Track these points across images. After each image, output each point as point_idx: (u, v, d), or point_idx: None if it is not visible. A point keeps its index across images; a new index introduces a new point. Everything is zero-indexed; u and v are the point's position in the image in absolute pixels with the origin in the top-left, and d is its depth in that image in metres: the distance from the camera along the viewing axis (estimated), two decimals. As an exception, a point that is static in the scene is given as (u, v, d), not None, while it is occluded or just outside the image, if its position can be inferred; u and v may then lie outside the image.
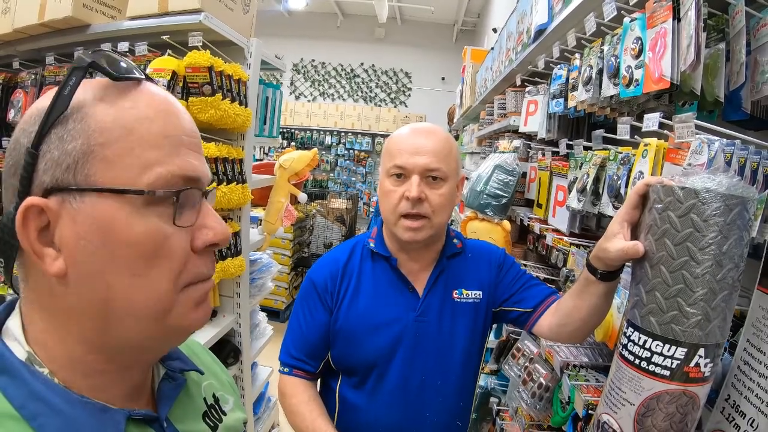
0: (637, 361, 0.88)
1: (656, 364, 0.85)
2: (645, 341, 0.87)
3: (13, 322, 0.58)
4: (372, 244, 1.41)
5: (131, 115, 0.56)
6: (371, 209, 9.64)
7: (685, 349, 0.83)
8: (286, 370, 1.42)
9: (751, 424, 0.85)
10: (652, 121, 1.16)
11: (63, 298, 0.55)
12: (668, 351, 0.84)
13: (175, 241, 0.58)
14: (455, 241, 1.45)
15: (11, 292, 0.61)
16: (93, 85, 0.57)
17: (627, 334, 0.91)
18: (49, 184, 0.53)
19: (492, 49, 3.82)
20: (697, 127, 1.03)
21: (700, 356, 0.83)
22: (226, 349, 2.34)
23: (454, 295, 1.39)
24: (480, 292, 1.41)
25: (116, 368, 0.60)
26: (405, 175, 1.30)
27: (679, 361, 0.84)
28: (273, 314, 5.35)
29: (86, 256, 0.54)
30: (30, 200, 0.53)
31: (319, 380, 1.47)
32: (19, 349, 0.56)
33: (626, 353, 0.90)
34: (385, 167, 1.34)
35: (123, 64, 0.58)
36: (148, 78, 0.62)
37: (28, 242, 0.53)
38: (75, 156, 0.53)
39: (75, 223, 0.53)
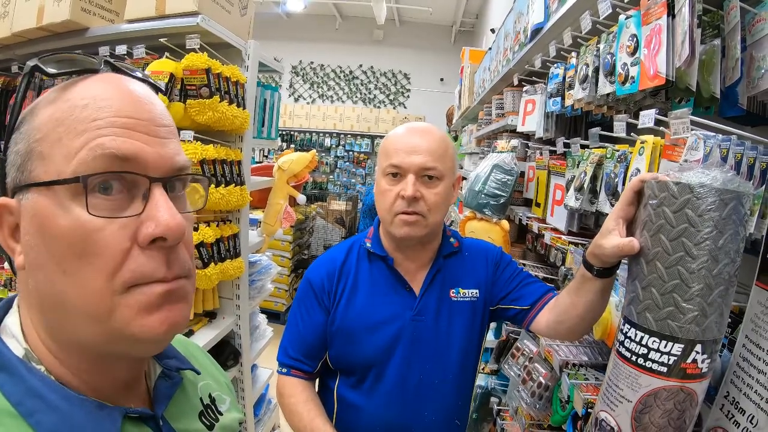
0: (633, 358, 0.87)
1: (653, 361, 0.85)
2: (641, 337, 0.87)
3: (11, 320, 0.59)
4: (368, 244, 1.41)
5: (64, 107, 0.55)
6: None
7: (682, 345, 0.83)
8: (284, 370, 1.42)
9: (750, 421, 0.85)
10: (647, 117, 1.16)
11: (29, 291, 0.57)
12: (665, 347, 0.84)
13: (108, 234, 0.53)
14: (452, 240, 1.45)
15: (9, 294, 0.61)
16: (53, 88, 0.59)
17: (624, 331, 0.91)
18: (11, 185, 0.57)
19: (490, 49, 3.82)
20: (693, 123, 1.02)
21: (697, 352, 0.83)
22: (226, 351, 2.34)
23: (451, 294, 1.39)
24: (477, 291, 1.41)
25: (93, 367, 0.59)
26: (401, 174, 1.30)
27: (676, 358, 0.83)
28: (273, 316, 5.34)
29: (31, 252, 0.55)
30: (0, 200, 0.57)
31: (317, 380, 1.47)
32: (17, 346, 0.57)
33: (623, 350, 0.90)
34: (381, 166, 1.34)
35: (71, 61, 0.60)
36: (118, 69, 0.62)
37: (3, 239, 0.57)
38: (22, 155, 0.56)
39: (23, 219, 0.56)
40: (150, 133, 0.57)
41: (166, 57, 1.96)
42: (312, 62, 10.60)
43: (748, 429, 0.84)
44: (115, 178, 0.54)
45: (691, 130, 1.02)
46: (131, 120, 0.56)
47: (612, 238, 0.95)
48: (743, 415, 0.86)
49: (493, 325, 2.89)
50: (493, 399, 2.62)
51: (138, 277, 0.55)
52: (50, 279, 0.54)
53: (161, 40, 2.03)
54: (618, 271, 1.10)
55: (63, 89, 0.57)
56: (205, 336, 2.14)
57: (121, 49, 2.15)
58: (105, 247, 0.53)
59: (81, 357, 0.58)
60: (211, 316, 2.34)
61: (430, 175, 1.30)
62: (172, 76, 1.85)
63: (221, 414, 0.79)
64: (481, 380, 2.69)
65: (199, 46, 1.99)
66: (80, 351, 0.58)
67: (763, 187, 0.96)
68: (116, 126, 0.55)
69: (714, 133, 1.01)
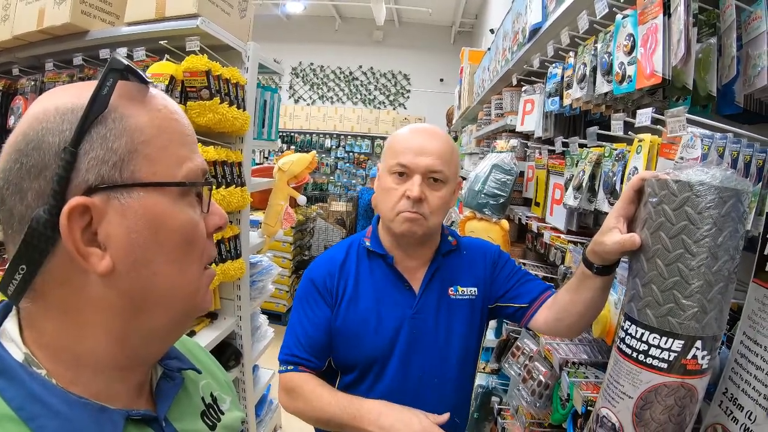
0: (634, 354, 0.88)
1: (654, 357, 0.85)
2: (642, 334, 0.87)
3: (10, 325, 0.58)
4: (368, 243, 1.42)
5: (161, 116, 0.60)
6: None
7: (682, 342, 0.83)
8: (290, 367, 1.37)
9: (749, 417, 0.85)
10: (644, 116, 1.17)
11: (100, 295, 0.56)
12: (665, 343, 0.84)
13: (201, 227, 0.64)
14: (450, 238, 1.46)
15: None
16: (117, 86, 0.58)
17: (624, 328, 0.92)
18: (94, 183, 0.54)
19: (489, 49, 3.83)
20: (690, 121, 1.03)
21: (698, 348, 0.83)
22: (228, 352, 2.35)
23: (450, 292, 1.40)
24: (475, 289, 1.42)
25: (129, 364, 0.61)
26: (407, 174, 1.30)
27: (676, 354, 0.84)
28: (274, 317, 5.32)
29: (137, 249, 0.57)
30: (77, 200, 0.53)
31: None
32: (16, 351, 0.55)
33: (624, 346, 0.91)
34: (387, 164, 1.34)
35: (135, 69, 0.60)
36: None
37: (73, 244, 0.53)
38: (121, 154, 0.55)
39: (125, 218, 0.56)
40: (197, 145, 0.67)
41: (167, 59, 1.97)
42: (312, 63, 10.62)
43: (746, 425, 0.85)
44: (210, 185, 0.66)
45: (688, 128, 1.02)
46: (194, 136, 0.66)
47: (613, 234, 0.95)
48: (742, 411, 0.87)
49: (493, 324, 2.89)
50: (494, 398, 2.62)
51: (209, 260, 0.67)
52: (155, 271, 0.58)
53: (161, 42, 2.04)
54: (618, 270, 1.11)
55: (142, 97, 0.60)
56: (207, 337, 2.15)
57: (121, 52, 2.16)
58: (200, 237, 0.64)
59: (124, 355, 0.60)
60: (212, 316, 2.35)
61: (435, 178, 1.31)
62: (172, 78, 1.85)
63: (223, 413, 0.79)
64: (482, 380, 2.70)
65: (199, 48, 1.99)
66: (130, 347, 0.60)
67: (760, 184, 0.97)
68: (195, 143, 0.65)
69: (710, 131, 1.01)
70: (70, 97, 0.56)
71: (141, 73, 0.59)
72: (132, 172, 0.56)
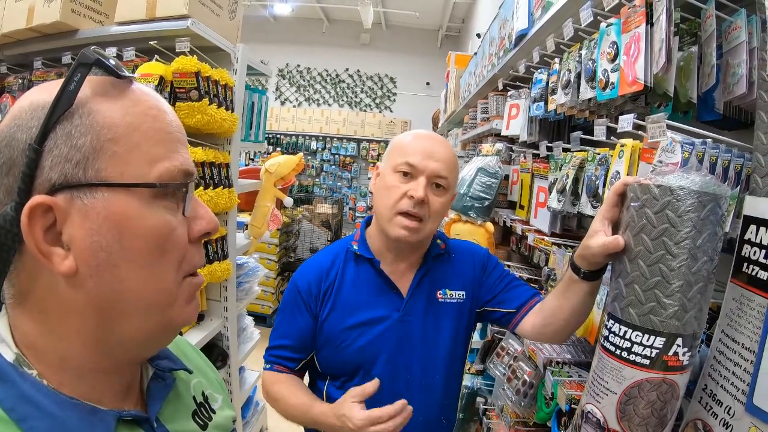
0: (618, 352, 0.91)
1: (636, 354, 0.89)
2: (625, 332, 0.90)
3: (1, 324, 0.57)
4: (355, 247, 1.42)
5: (135, 112, 0.57)
6: (357, 214, 9.64)
7: (664, 339, 0.87)
8: (268, 366, 1.44)
9: (728, 412, 0.88)
10: (626, 122, 1.20)
11: (68, 297, 0.55)
12: (647, 341, 0.88)
13: (180, 232, 0.59)
14: (438, 241, 1.46)
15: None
16: (91, 81, 0.56)
17: (608, 326, 0.95)
18: (57, 181, 0.52)
19: (475, 54, 3.86)
20: (671, 127, 1.06)
21: (678, 345, 0.86)
22: (214, 353, 2.35)
23: (438, 296, 1.41)
24: (463, 293, 1.43)
25: (110, 367, 0.60)
26: (413, 175, 1.31)
27: (658, 350, 0.87)
28: (260, 319, 5.31)
29: (100, 252, 0.54)
30: (37, 198, 0.51)
31: (305, 379, 1.47)
32: (7, 351, 0.55)
33: (607, 344, 0.94)
34: (393, 163, 1.34)
35: (114, 63, 0.58)
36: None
37: (34, 243, 0.52)
38: (85, 152, 0.53)
39: (87, 219, 0.53)
40: (186, 146, 0.64)
41: (156, 60, 1.97)
42: (298, 65, 10.59)
43: (725, 420, 0.88)
44: (186, 186, 0.61)
45: (668, 133, 1.05)
46: (182, 135, 0.63)
47: (598, 237, 0.98)
48: (721, 406, 0.90)
49: (479, 325, 2.91)
50: (479, 399, 2.64)
51: (191, 267, 0.62)
52: (120, 277, 0.56)
53: (151, 42, 2.04)
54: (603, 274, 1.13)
55: (118, 92, 0.57)
56: (194, 337, 2.14)
57: (110, 51, 2.15)
58: (177, 242, 0.59)
59: (103, 358, 0.58)
60: (198, 317, 2.34)
61: (439, 184, 1.32)
62: (161, 78, 1.85)
63: (214, 412, 0.78)
64: (467, 380, 2.72)
65: (188, 49, 2.00)
66: (108, 351, 0.58)
67: (738, 188, 1.01)
68: (179, 141, 0.61)
69: (690, 137, 1.05)
70: (44, 93, 0.54)
71: (113, 67, 0.56)
72: (97, 171, 0.53)
